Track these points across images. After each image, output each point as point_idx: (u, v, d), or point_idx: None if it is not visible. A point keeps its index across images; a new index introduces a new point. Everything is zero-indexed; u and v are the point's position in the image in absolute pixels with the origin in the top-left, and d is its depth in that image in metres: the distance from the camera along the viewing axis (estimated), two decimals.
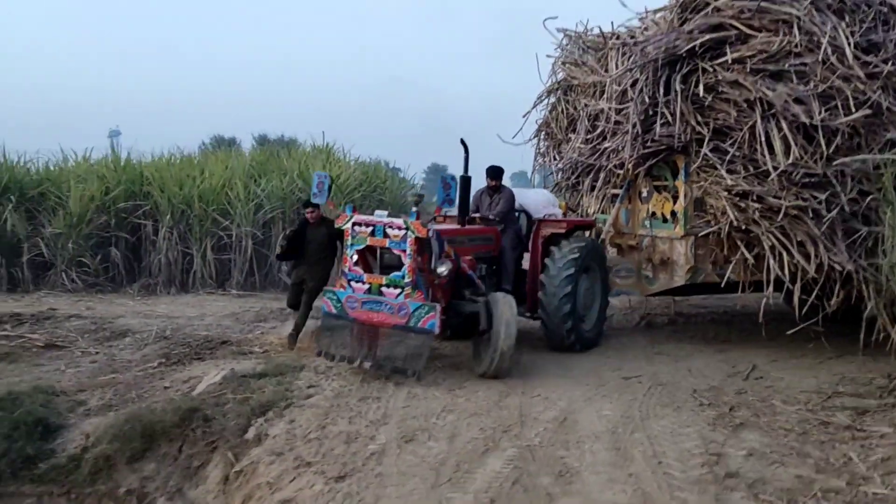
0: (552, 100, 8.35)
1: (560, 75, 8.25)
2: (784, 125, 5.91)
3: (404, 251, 5.55)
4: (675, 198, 6.73)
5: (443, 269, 5.67)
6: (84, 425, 5.39)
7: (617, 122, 6.88)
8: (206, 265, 11.12)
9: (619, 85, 6.85)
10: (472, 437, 4.25)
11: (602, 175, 7.27)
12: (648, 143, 6.53)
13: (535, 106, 8.51)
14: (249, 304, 9.53)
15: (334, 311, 5.75)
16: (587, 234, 7.12)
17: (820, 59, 5.92)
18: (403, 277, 5.53)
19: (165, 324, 7.89)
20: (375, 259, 5.83)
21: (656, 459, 3.90)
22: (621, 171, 6.99)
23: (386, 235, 5.63)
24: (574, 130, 7.78)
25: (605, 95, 7.13)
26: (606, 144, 7.00)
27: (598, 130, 7.20)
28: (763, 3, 6.12)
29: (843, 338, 6.21)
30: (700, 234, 6.55)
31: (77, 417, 5.50)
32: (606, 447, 4.09)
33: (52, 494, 4.98)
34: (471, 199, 6.59)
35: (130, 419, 5.23)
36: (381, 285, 5.60)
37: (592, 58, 7.78)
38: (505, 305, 5.58)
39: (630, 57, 6.77)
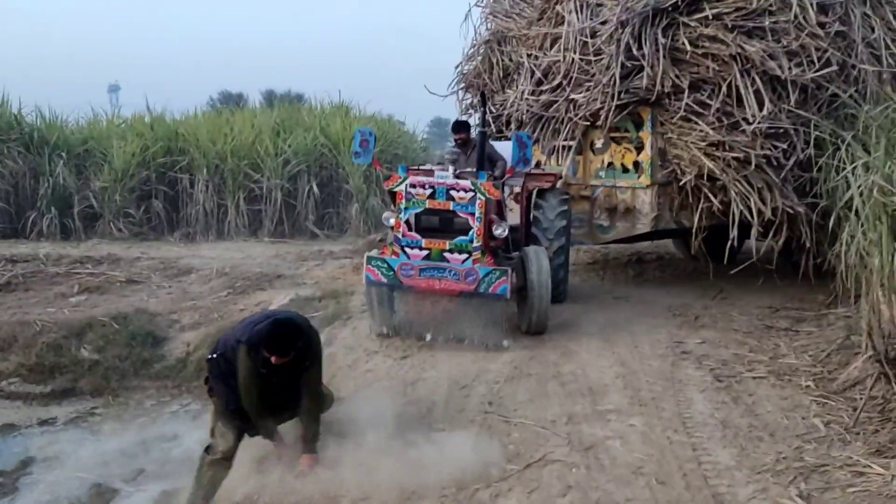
0: (481, 51, 8.45)
1: (492, 26, 8.39)
2: (758, 80, 6.55)
3: (472, 214, 5.40)
4: (639, 149, 7.13)
5: (500, 231, 5.59)
6: (183, 337, 7.02)
7: (584, 73, 7.10)
8: (239, 215, 12.60)
9: (590, 38, 7.08)
10: None
11: (551, 127, 7.40)
12: (622, 96, 6.81)
13: (470, 58, 8.59)
14: (286, 249, 11.05)
15: (384, 280, 5.41)
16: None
17: (791, 17, 6.64)
18: (471, 242, 5.37)
19: (222, 263, 9.42)
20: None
21: (634, 345, 5.48)
22: (587, 123, 7.20)
23: (450, 198, 5.46)
24: (510, 82, 8.03)
25: (563, 48, 7.27)
26: (573, 96, 7.17)
27: (556, 82, 7.36)
28: None
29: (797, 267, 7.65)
30: (662, 184, 7.00)
31: (175, 332, 7.12)
32: (598, 339, 5.66)
33: (166, 387, 6.61)
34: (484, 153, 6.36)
35: (222, 330, 6.80)
36: (443, 250, 5.38)
37: (530, 9, 7.95)
38: (539, 260, 5.64)
39: (592, 10, 7.14)
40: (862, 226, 4.33)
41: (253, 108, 16.91)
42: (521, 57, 7.85)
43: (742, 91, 6.56)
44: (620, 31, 6.79)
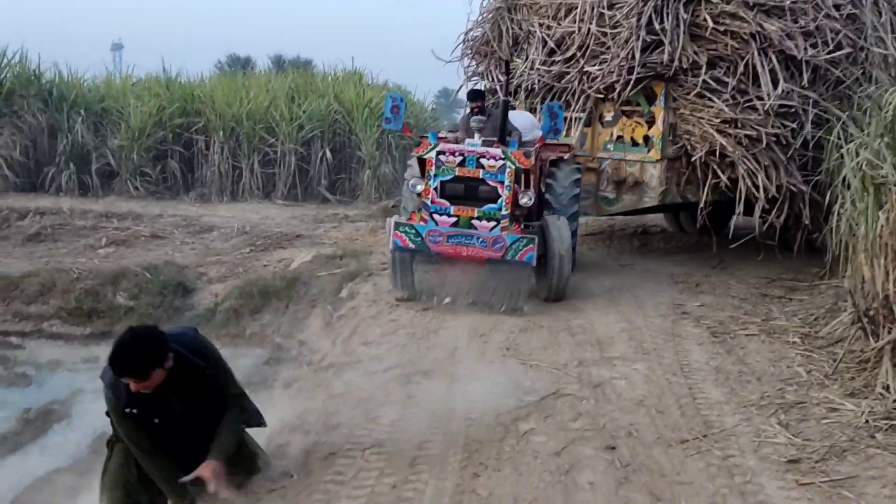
0: (489, 18, 8.45)
1: None
2: (774, 59, 6.78)
3: (502, 183, 5.59)
4: (650, 123, 7.31)
5: (526, 200, 5.76)
6: (211, 288, 7.52)
7: (600, 45, 7.30)
8: (253, 177, 13.02)
9: (606, 9, 7.27)
10: None
11: (563, 98, 7.50)
12: (639, 70, 6.98)
13: (479, 24, 8.57)
14: (301, 212, 11.52)
15: (411, 245, 5.57)
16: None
17: None
18: (500, 210, 5.57)
19: (241, 223, 9.89)
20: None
21: (638, 305, 5.98)
22: (599, 96, 7.37)
23: (479, 166, 5.63)
24: (519, 51, 8.12)
25: (578, 18, 7.45)
26: (588, 68, 7.32)
27: (569, 53, 7.54)
28: None
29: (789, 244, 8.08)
30: (672, 159, 7.21)
31: (203, 284, 7.61)
32: (604, 299, 6.17)
33: None
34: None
35: (248, 283, 7.34)
36: (471, 218, 5.60)
37: None
38: (560, 228, 5.82)
39: None
40: (852, 198, 4.80)
41: (266, 72, 17.23)
42: (533, 26, 7.94)
43: (759, 69, 6.77)
44: (643, 4, 6.93)
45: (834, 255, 5.48)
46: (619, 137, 7.52)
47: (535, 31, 7.87)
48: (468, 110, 6.93)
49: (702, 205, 7.32)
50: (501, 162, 5.63)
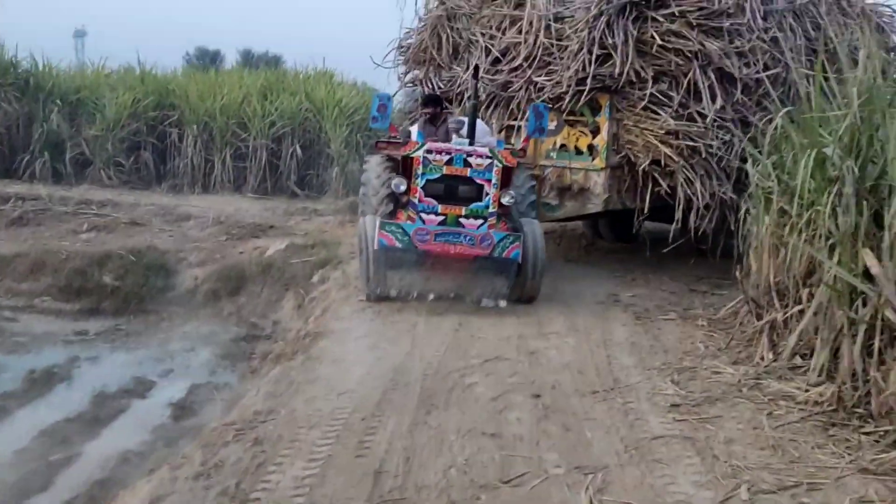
0: (428, 26, 8.66)
1: (444, 1, 8.60)
2: (713, 76, 7.38)
3: (489, 181, 5.83)
4: (593, 132, 7.74)
5: (507, 199, 6.01)
6: (192, 272, 8.30)
7: (549, 55, 7.63)
8: (225, 170, 13.77)
9: (553, 22, 7.64)
10: None
11: (509, 107, 7.82)
12: (586, 81, 7.32)
13: (419, 33, 8.77)
14: (272, 205, 12.30)
15: (399, 244, 5.73)
16: None
17: (745, 20, 7.64)
18: (487, 207, 5.82)
19: (216, 213, 10.64)
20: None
21: (577, 293, 6.97)
22: (550, 104, 7.48)
23: (467, 164, 5.85)
24: (457, 58, 8.40)
25: (524, 30, 7.77)
26: (536, 79, 7.63)
27: (516, 63, 7.83)
28: None
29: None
30: (614, 167, 7.65)
31: (184, 267, 8.39)
32: (547, 288, 6.99)
33: (178, 313, 7.90)
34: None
35: (226, 268, 8.15)
36: (459, 216, 5.83)
37: None
38: (534, 231, 6.12)
39: None
40: (753, 206, 5.86)
41: (238, 68, 17.90)
42: (475, 35, 8.24)
43: (700, 85, 7.36)
44: (595, 19, 7.32)
45: (740, 255, 6.54)
46: (563, 146, 7.94)
47: (478, 41, 8.19)
48: (420, 115, 7.28)
49: (637, 211, 7.84)
50: (489, 160, 5.90)
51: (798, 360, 4.59)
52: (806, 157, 4.63)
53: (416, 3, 8.94)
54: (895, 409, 3.54)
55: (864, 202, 4.05)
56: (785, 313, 4.87)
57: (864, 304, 4.00)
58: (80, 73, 15.04)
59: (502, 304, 6.07)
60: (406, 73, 9.11)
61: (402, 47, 9.03)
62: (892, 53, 8.67)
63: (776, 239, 5.12)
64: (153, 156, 13.74)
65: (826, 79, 5.01)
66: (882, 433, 3.56)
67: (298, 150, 14.01)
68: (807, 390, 4.12)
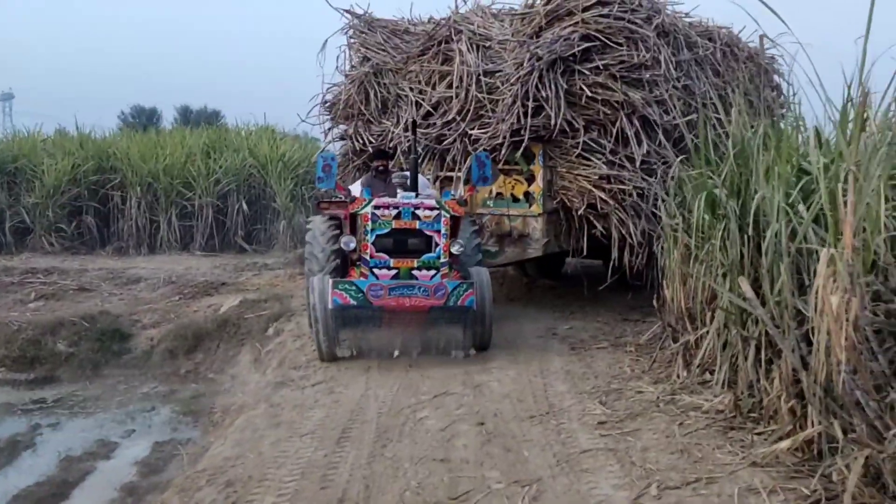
0: (351, 81, 8.98)
1: (370, 58, 8.93)
2: (636, 123, 7.98)
3: (438, 231, 6.03)
4: (528, 180, 8.18)
5: (457, 248, 6.22)
6: (146, 333, 8.63)
7: (481, 108, 8.05)
8: (171, 230, 14.11)
9: (484, 76, 8.10)
10: None
11: (445, 159, 8.22)
12: (521, 133, 7.71)
13: (347, 89, 9.00)
14: (221, 261, 12.69)
15: (353, 302, 5.81)
16: None
17: (661, 71, 8.41)
18: (439, 258, 5.99)
19: (166, 273, 10.99)
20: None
21: (518, 329, 7.63)
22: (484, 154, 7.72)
23: (415, 217, 6.05)
24: (386, 113, 8.76)
25: (454, 84, 8.20)
26: (470, 131, 8.06)
27: (449, 117, 8.21)
28: (622, 23, 7.85)
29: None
30: (550, 212, 8.06)
31: (138, 329, 8.72)
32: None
33: (135, 375, 8.21)
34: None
35: (182, 326, 8.52)
36: (411, 268, 5.99)
37: (405, 44, 8.80)
38: (482, 279, 6.37)
39: (483, 51, 8.25)
40: (664, 241, 6.66)
41: (178, 127, 18.33)
42: (404, 90, 8.63)
43: (627, 132, 7.95)
44: (527, 74, 7.69)
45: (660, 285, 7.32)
46: (499, 194, 8.37)
47: (408, 96, 8.54)
48: (372, 170, 7.52)
49: (572, 252, 8.61)
50: (437, 212, 6.11)
51: (707, 376, 5.33)
52: (699, 199, 5.45)
53: (336, 59, 9.27)
54: (780, 411, 4.25)
55: (746, 235, 4.85)
56: (695, 335, 5.62)
57: (756, 324, 4.76)
58: (16, 142, 15.22)
59: (472, 352, 6.32)
60: (331, 129, 9.39)
61: (326, 102, 9.30)
62: (775, 91, 9.86)
63: (684, 269, 5.90)
64: (96, 220, 13.99)
65: (715, 127, 5.89)
66: (770, 432, 4.26)
67: (244, 206, 14.48)
68: (711, 401, 4.83)
